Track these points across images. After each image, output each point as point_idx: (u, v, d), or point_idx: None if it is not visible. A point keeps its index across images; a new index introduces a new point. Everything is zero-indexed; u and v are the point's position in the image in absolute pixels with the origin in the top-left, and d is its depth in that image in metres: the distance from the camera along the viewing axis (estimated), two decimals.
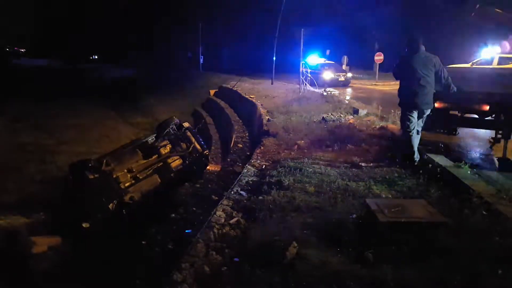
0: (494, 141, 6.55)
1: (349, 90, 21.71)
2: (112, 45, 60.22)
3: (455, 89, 6.00)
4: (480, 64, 18.21)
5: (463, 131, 8.13)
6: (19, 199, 10.86)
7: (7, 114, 22.24)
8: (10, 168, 13.84)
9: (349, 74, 24.42)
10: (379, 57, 24.93)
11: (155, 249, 6.17)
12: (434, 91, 6.37)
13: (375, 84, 24.03)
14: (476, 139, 7.84)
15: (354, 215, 4.05)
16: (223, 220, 4.41)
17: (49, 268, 7.16)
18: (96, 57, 72.20)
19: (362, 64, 32.28)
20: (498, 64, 17.10)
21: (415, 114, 5.91)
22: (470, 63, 18.85)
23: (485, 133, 7.58)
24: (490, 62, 17.83)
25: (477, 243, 3.31)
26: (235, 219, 4.41)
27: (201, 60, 38.40)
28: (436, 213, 3.66)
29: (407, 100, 5.95)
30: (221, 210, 4.71)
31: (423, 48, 5.94)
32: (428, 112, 6.00)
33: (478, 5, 6.46)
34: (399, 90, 6.13)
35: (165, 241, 6.33)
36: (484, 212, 3.96)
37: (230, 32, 39.84)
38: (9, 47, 68.47)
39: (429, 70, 5.79)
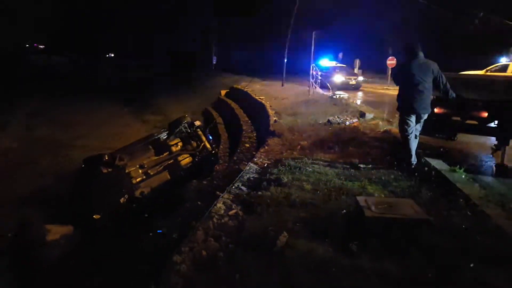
0: (496, 147, 6.71)
1: (359, 93, 21.83)
2: (128, 44, 61.07)
3: (453, 95, 6.19)
4: (495, 71, 18.24)
5: (467, 138, 8.29)
6: (34, 190, 11.29)
7: (24, 109, 22.87)
8: (26, 161, 14.33)
9: (360, 78, 24.49)
10: (391, 62, 24.96)
11: (160, 238, 6.46)
12: (434, 97, 6.59)
13: (386, 89, 24.09)
14: (480, 146, 7.99)
15: (344, 211, 4.30)
16: (222, 212, 4.69)
17: (60, 254, 7.54)
18: (112, 55, 73.15)
19: (374, 68, 32.32)
20: None
21: (413, 118, 6.13)
22: (485, 70, 18.88)
23: (489, 140, 7.74)
24: (505, 69, 17.89)
25: (456, 240, 3.54)
26: (233, 211, 4.69)
27: (214, 61, 38.83)
28: (421, 212, 3.88)
29: (405, 105, 6.17)
30: (221, 202, 4.99)
31: (421, 54, 6.16)
32: (425, 116, 6.20)
33: (481, 14, 6.60)
34: (398, 95, 6.35)
35: (170, 231, 6.61)
36: (469, 213, 4.18)
37: (243, 33, 40.17)
38: (28, 43, 69.81)
39: (427, 76, 6.00)
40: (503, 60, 20.35)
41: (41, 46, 75.08)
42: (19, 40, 60.54)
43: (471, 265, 3.12)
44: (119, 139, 15.88)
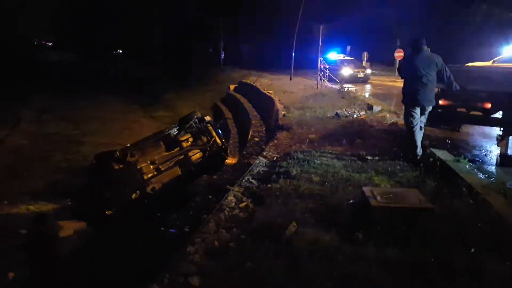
0: (501, 137, 6.81)
1: (367, 86, 21.85)
2: (135, 40, 61.31)
3: (457, 87, 6.29)
4: (502, 61, 18.22)
5: (473, 129, 8.37)
6: (47, 186, 11.52)
7: (35, 106, 23.19)
8: (38, 157, 14.57)
9: (369, 71, 24.48)
10: (399, 54, 24.87)
11: (172, 232, 6.67)
12: (438, 89, 6.70)
13: (394, 81, 24.05)
14: (485, 136, 8.07)
15: (351, 201, 4.45)
16: (233, 204, 4.88)
17: (74, 250, 7.76)
18: (120, 51, 73.53)
19: (383, 61, 32.21)
20: None
21: (417, 110, 6.24)
22: (491, 61, 18.84)
23: (494, 130, 7.82)
24: (511, 59, 17.85)
25: (458, 228, 3.68)
26: (244, 204, 4.87)
27: (222, 56, 38.94)
28: (425, 201, 4.02)
29: (410, 97, 6.28)
30: (232, 195, 5.17)
31: (426, 48, 6.27)
32: (430, 109, 6.32)
33: (485, 6, 6.70)
34: (403, 87, 6.47)
35: (182, 225, 6.82)
36: (471, 202, 4.30)
37: (251, 28, 40.19)
38: (37, 40, 70.46)
39: (431, 69, 6.10)
40: (505, 50, 20.24)
41: (50, 44, 75.71)
42: (27, 37, 61.06)
43: (472, 250, 3.26)
44: (129, 135, 16.04)
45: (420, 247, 3.37)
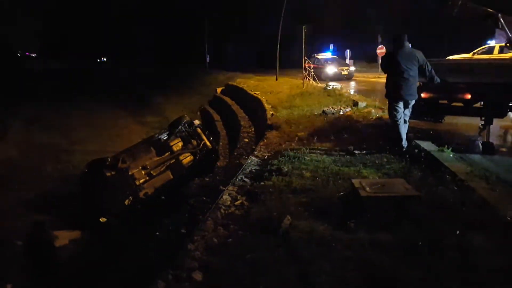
0: (483, 127, 7.08)
1: (352, 83, 22.20)
2: (118, 47, 61.15)
3: (438, 80, 6.55)
4: (482, 53, 18.74)
5: (456, 119, 8.66)
6: (39, 196, 11.48)
7: (23, 116, 23.04)
8: (29, 167, 14.50)
9: (352, 68, 24.88)
10: (381, 50, 25.32)
11: (169, 234, 6.80)
12: (420, 83, 6.96)
13: (378, 77, 24.43)
14: (468, 126, 8.34)
15: (342, 193, 4.66)
16: (229, 203, 5.04)
17: (70, 259, 7.83)
18: (104, 59, 73.19)
19: (366, 57, 32.66)
20: (499, 53, 17.61)
21: (400, 104, 6.49)
22: (471, 53, 19.34)
23: (476, 120, 8.11)
24: (491, 51, 18.38)
25: (443, 211, 3.91)
26: (239, 201, 5.04)
27: (207, 59, 39.06)
28: (411, 189, 4.24)
29: (393, 92, 6.54)
30: (227, 194, 5.33)
31: (407, 44, 6.53)
32: (412, 102, 6.57)
33: (460, 1, 6.99)
34: (386, 83, 6.72)
35: (179, 226, 6.95)
36: (455, 188, 4.54)
37: (235, 30, 40.41)
38: (20, 52, 69.81)
39: (413, 64, 6.35)
40: (490, 43, 20.81)
41: (33, 55, 75.03)
42: (13, 48, 60.59)
43: (457, 232, 3.48)
44: (119, 141, 16.02)
45: (410, 230, 3.59)
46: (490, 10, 6.96)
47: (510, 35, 7.08)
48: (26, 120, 22.12)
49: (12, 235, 8.71)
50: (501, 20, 6.77)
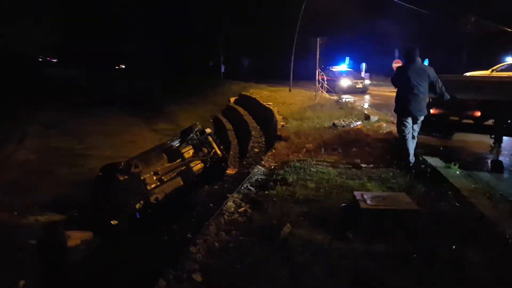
0: (493, 145, 7.08)
1: (366, 97, 22.18)
2: (137, 55, 62.16)
3: (448, 97, 6.58)
4: (500, 70, 18.60)
5: (467, 136, 8.64)
6: (54, 198, 11.76)
7: (41, 121, 23.57)
8: (45, 170, 14.85)
9: (367, 81, 24.87)
10: (397, 64, 25.27)
11: (175, 238, 6.91)
12: (430, 99, 7.00)
13: (393, 91, 24.24)
14: (478, 143, 8.31)
15: (343, 205, 4.72)
16: (232, 209, 5.14)
17: (81, 259, 8.01)
18: (123, 66, 74.36)
19: (382, 71, 32.61)
20: None
21: (409, 120, 6.52)
22: (490, 70, 19.21)
23: (487, 138, 8.08)
24: (510, 68, 18.23)
25: (441, 226, 3.95)
26: (242, 209, 5.13)
27: (222, 69, 39.47)
28: (411, 203, 4.28)
29: (402, 107, 6.58)
30: (231, 201, 5.44)
31: (419, 60, 6.58)
32: (421, 118, 6.59)
33: (473, 19, 7.03)
34: (396, 97, 6.77)
35: (185, 232, 7.06)
36: (457, 204, 4.57)
37: (250, 41, 40.80)
38: (41, 57, 71.43)
39: (423, 80, 6.39)
40: (509, 60, 20.66)
41: (54, 60, 76.64)
42: (32, 54, 62.08)
43: (452, 246, 3.52)
44: (132, 147, 16.27)
45: (406, 242, 3.65)
46: (503, 27, 6.99)
47: None
48: (44, 125, 22.61)
49: (27, 235, 8.97)
50: None
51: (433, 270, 3.21)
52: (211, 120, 20.98)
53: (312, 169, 6.61)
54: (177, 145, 11.07)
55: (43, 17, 56.19)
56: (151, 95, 34.18)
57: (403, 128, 6.58)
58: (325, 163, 7.07)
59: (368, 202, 4.26)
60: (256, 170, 7.29)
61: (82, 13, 60.47)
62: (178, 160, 10.47)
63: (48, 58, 74.92)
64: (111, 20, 60.07)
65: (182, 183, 10.16)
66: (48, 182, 13.45)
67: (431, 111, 7.04)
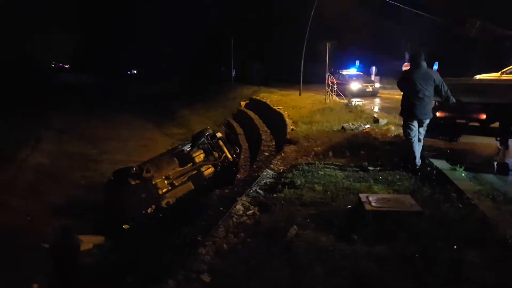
0: (499, 147, 7.13)
1: (376, 100, 22.16)
2: (149, 60, 62.87)
3: (454, 100, 6.65)
4: (510, 73, 18.45)
5: (474, 139, 8.68)
6: (67, 202, 12.02)
7: (55, 126, 23.98)
8: (59, 174, 15.16)
9: (377, 85, 24.83)
10: (407, 68, 25.19)
11: (186, 241, 7.07)
12: (436, 103, 7.08)
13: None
14: (485, 146, 8.34)
15: (349, 207, 4.84)
16: (241, 212, 5.29)
17: (93, 263, 8.20)
18: (135, 71, 75.19)
19: (393, 74, 32.45)
20: None
21: (415, 123, 6.61)
22: (500, 73, 19.07)
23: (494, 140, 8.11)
24: None
25: (444, 227, 4.04)
26: (251, 211, 5.28)
27: (233, 73, 39.74)
28: (415, 205, 4.39)
29: (407, 111, 6.67)
30: (240, 204, 5.59)
31: (424, 64, 6.66)
32: (427, 121, 6.67)
33: (478, 23, 7.10)
34: (402, 101, 6.87)
35: (195, 234, 7.21)
36: (460, 205, 4.65)
37: (261, 45, 41.01)
38: (55, 63, 72.65)
39: (428, 84, 6.47)
40: None
41: (66, 66, 77.84)
42: (45, 59, 63.25)
43: (453, 247, 3.62)
44: (144, 152, 16.53)
45: (407, 243, 3.75)
46: (508, 31, 7.04)
47: None
48: (58, 130, 23.01)
49: (40, 239, 9.20)
50: None
51: (433, 270, 3.31)
52: (222, 125, 21.16)
53: (320, 172, 6.73)
54: (188, 149, 11.26)
55: (58, 25, 57.22)
56: (162, 100, 34.56)
57: (409, 131, 6.66)
58: (333, 166, 7.18)
59: (373, 204, 4.38)
60: (265, 173, 7.43)
61: (97, 20, 61.45)
62: (189, 165, 10.65)
63: (60, 64, 76.13)
64: (124, 26, 60.88)
65: (193, 187, 10.33)
66: (61, 186, 13.74)
67: (438, 114, 7.11)
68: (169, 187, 10.06)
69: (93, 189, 12.68)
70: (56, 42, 61.31)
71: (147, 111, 29.00)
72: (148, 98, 37.03)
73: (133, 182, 9.51)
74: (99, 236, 8.91)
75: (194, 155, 10.91)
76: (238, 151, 11.65)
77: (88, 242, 8.70)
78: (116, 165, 11.56)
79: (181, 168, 10.50)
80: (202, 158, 11.05)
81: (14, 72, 38.62)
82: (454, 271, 3.28)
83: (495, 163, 6.86)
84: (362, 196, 4.63)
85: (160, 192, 9.83)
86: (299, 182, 6.16)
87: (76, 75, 62.11)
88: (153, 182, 9.81)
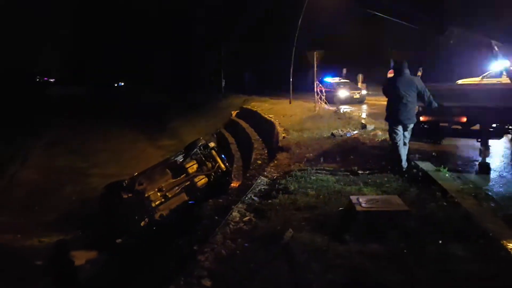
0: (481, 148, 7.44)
1: (364, 107, 22.56)
2: (136, 72, 62.79)
3: (436, 104, 6.98)
4: (490, 77, 19.03)
5: (459, 141, 9.05)
6: (58, 217, 11.99)
7: (44, 139, 23.92)
8: (49, 189, 15.12)
9: (364, 92, 25.27)
10: (391, 75, 25.62)
11: (182, 251, 7.21)
12: (420, 108, 7.41)
13: None
14: (468, 147, 8.68)
15: (341, 209, 5.08)
16: (237, 219, 5.48)
17: (87, 278, 8.25)
18: (122, 84, 74.95)
19: (379, 81, 32.92)
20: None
21: (400, 128, 6.92)
22: (480, 77, 19.64)
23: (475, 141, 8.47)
24: (499, 75, 18.62)
25: (429, 224, 4.31)
26: (247, 218, 5.47)
27: (223, 83, 40.02)
28: (403, 205, 4.63)
29: (392, 116, 6.99)
30: (236, 211, 5.78)
31: (407, 71, 7.01)
32: (411, 126, 6.98)
33: (455, 31, 7.44)
34: (386, 106, 7.18)
35: (192, 244, 7.36)
36: (445, 204, 4.93)
37: (251, 55, 41.42)
38: (39, 77, 72.24)
39: (411, 90, 6.80)
40: (492, 67, 21.03)
41: (51, 80, 77.27)
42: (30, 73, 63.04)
43: (440, 242, 3.88)
44: (136, 164, 16.49)
45: (397, 240, 4.00)
46: (486, 39, 7.38)
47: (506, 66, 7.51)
48: (47, 144, 22.94)
49: (32, 255, 9.20)
50: (495, 48, 7.17)
51: (422, 264, 3.55)
52: (214, 135, 21.31)
53: (312, 177, 6.97)
54: (181, 160, 11.27)
55: (46, 41, 57.11)
56: (152, 112, 34.60)
57: (394, 135, 6.97)
58: (324, 171, 7.43)
59: (363, 205, 4.61)
60: (259, 181, 7.63)
61: (84, 33, 61.34)
62: (182, 176, 10.64)
63: (45, 78, 75.64)
64: (110, 37, 60.84)
65: (186, 198, 10.35)
66: (51, 201, 13.70)
67: (421, 118, 7.43)
68: (162, 199, 9.92)
69: (84, 204, 12.70)
70: (44, 56, 61.14)
71: (137, 122, 29.03)
72: (138, 109, 37.05)
73: (125, 195, 9.41)
74: (92, 251, 8.90)
75: (187, 165, 10.88)
76: (225, 161, 11.70)
77: (81, 257, 8.66)
78: (107, 179, 11.47)
79: (174, 180, 10.39)
80: (195, 168, 11.02)
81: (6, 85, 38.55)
82: (441, 264, 3.52)
83: (478, 163, 7.18)
84: (353, 198, 4.86)
85: (153, 204, 9.68)
86: (292, 188, 6.39)
87: (63, 88, 61.75)
88: (146, 195, 9.65)
